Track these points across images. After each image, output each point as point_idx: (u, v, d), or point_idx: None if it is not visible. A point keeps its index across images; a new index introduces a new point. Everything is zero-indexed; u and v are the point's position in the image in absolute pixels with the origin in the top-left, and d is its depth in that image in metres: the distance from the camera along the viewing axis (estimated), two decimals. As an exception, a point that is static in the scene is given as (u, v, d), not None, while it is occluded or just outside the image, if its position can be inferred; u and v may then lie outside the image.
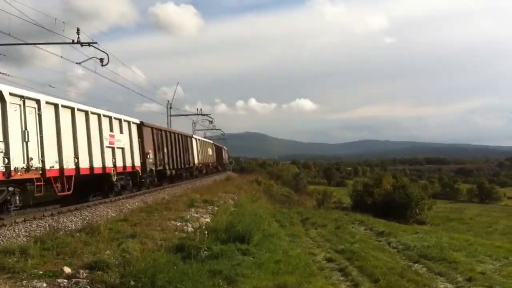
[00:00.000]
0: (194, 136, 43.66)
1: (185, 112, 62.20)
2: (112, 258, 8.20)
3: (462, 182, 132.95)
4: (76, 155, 15.86)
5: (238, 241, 11.10)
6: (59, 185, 14.68)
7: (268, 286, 8.01)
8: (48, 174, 13.88)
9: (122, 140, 20.93)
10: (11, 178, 12.10)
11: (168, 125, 49.14)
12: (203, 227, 12.86)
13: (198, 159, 41.80)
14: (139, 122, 24.05)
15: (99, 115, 18.48)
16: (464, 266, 12.35)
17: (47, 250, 8.53)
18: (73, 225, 12.42)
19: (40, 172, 13.52)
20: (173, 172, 30.99)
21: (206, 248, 9.78)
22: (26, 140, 12.93)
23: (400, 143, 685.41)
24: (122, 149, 20.88)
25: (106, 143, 18.73)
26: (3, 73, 20.96)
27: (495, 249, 16.54)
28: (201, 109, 66.37)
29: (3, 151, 12.01)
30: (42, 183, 13.41)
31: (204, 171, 46.50)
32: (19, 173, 12.40)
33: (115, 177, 19.52)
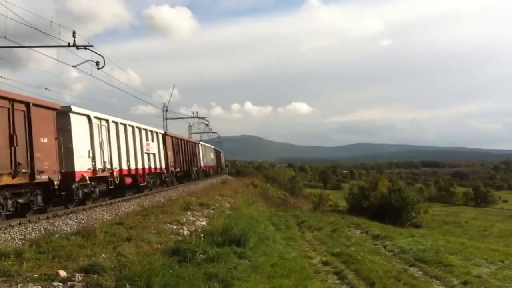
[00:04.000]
0: (200, 142, 48.19)
1: (181, 115, 62.23)
2: (107, 261, 8.17)
3: (458, 186, 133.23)
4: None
5: (234, 244, 11.08)
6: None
7: (264, 290, 8.00)
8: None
9: (153, 147, 26.33)
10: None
11: (164, 128, 49.07)
12: (199, 230, 12.85)
13: (203, 162, 46.91)
14: (163, 132, 30.03)
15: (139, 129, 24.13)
16: (460, 270, 12.38)
17: (42, 253, 8.50)
18: (69, 228, 12.38)
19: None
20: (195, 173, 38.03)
21: (202, 251, 9.77)
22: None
23: (396, 147, 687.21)
24: (154, 154, 26.30)
25: (144, 150, 24.44)
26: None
27: (490, 253, 16.59)
28: (197, 112, 66.35)
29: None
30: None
31: (208, 173, 51.34)
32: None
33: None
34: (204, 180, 43.58)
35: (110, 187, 19.49)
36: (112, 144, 19.79)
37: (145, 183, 24.41)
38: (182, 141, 35.79)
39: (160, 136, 28.28)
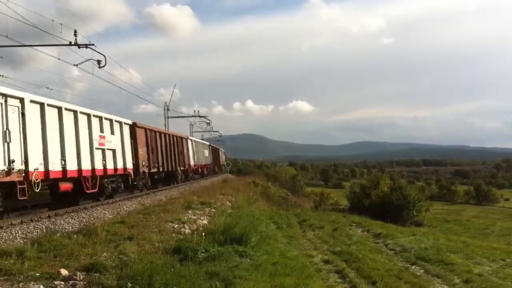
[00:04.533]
0: (190, 137, 41.83)
1: (182, 113, 62.25)
2: (109, 260, 8.18)
3: (459, 184, 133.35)
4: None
5: (235, 243, 11.09)
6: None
7: (265, 288, 8.01)
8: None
9: (113, 141, 20.23)
10: None
11: (165, 127, 49.01)
12: (200, 229, 12.86)
13: (194, 161, 40.75)
14: (131, 123, 23.23)
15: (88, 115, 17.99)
16: (461, 268, 12.37)
17: (44, 252, 8.51)
18: (70, 227, 12.42)
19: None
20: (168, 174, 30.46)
21: (203, 250, 9.76)
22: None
23: (398, 145, 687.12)
24: (113, 150, 20.25)
25: (96, 145, 18.33)
26: (0, 75, 20.92)
27: (492, 251, 16.56)
28: (198, 111, 66.43)
29: None
30: None
31: (201, 173, 45.62)
32: None
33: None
34: (198, 180, 40.44)
35: (20, 198, 13.25)
36: (30, 135, 13.80)
37: (96, 190, 18.35)
38: (162, 135, 29.79)
39: (126, 128, 22.10)
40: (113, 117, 20.61)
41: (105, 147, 19.23)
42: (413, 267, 12.97)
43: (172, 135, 33.08)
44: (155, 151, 27.25)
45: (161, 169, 28.45)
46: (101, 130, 18.99)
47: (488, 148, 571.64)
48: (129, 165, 22.00)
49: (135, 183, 23.26)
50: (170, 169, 30.71)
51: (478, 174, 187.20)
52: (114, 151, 20.24)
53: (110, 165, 19.67)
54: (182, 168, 34.83)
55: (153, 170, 26.47)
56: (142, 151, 24.46)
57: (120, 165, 20.72)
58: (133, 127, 23.43)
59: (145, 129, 25.96)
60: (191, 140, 41.58)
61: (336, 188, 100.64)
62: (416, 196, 33.79)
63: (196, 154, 42.44)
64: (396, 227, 24.48)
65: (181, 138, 36.30)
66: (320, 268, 12.05)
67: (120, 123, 21.44)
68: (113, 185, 20.36)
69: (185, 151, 36.42)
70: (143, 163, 24.53)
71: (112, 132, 20.20)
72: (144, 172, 24.59)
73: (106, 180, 19.43)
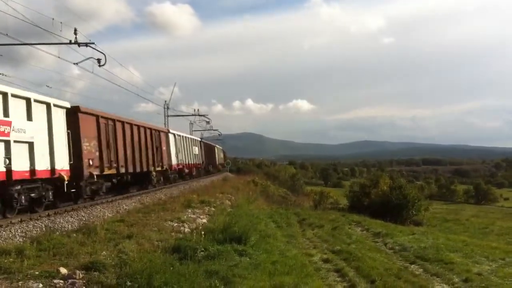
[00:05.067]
0: (172, 131, 34.01)
1: (182, 112, 62.08)
2: (108, 258, 8.18)
3: (459, 183, 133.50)
4: None
5: (234, 241, 11.09)
6: None
7: (264, 287, 8.02)
8: None
9: (29, 130, 13.72)
10: None
11: (165, 125, 48.78)
12: (200, 227, 12.85)
13: (177, 159, 33.82)
14: (68, 106, 16.47)
15: None
16: (461, 267, 12.37)
17: (43, 250, 8.52)
18: (70, 225, 12.42)
19: None
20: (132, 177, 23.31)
21: (202, 249, 9.77)
22: None
23: (398, 144, 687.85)
24: (30, 144, 13.81)
25: None
26: (0, 73, 20.85)
27: (491, 250, 16.57)
28: (198, 110, 66.29)
29: None
30: None
31: (188, 174, 38.11)
32: None
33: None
34: (200, 179, 39.21)
35: None
36: None
37: None
38: (127, 126, 22.66)
39: (59, 113, 15.64)
40: (33, 96, 14.22)
41: (11, 138, 12.78)
42: (412, 266, 12.98)
43: (144, 126, 25.97)
44: (113, 147, 20.45)
45: (122, 170, 21.44)
46: (5, 114, 12.63)
47: (488, 147, 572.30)
48: (62, 165, 15.49)
49: (73, 190, 16.35)
50: (139, 170, 23.80)
51: (478, 174, 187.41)
52: (31, 144, 13.84)
53: (21, 166, 13.27)
54: (158, 169, 28.18)
55: (108, 172, 19.73)
56: (89, 146, 18.06)
57: (43, 166, 14.38)
58: (73, 113, 16.92)
59: (97, 116, 19.07)
60: (174, 134, 33.99)
61: (335, 187, 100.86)
62: (415, 195, 33.89)
63: (180, 152, 35.47)
64: (396, 226, 24.51)
65: (158, 131, 29.47)
66: (320, 267, 12.06)
67: (47, 105, 14.95)
68: (32, 195, 14.02)
69: (163, 147, 29.87)
70: (90, 163, 17.89)
71: (30, 118, 13.81)
72: (91, 174, 17.87)
73: (15, 188, 13.07)
